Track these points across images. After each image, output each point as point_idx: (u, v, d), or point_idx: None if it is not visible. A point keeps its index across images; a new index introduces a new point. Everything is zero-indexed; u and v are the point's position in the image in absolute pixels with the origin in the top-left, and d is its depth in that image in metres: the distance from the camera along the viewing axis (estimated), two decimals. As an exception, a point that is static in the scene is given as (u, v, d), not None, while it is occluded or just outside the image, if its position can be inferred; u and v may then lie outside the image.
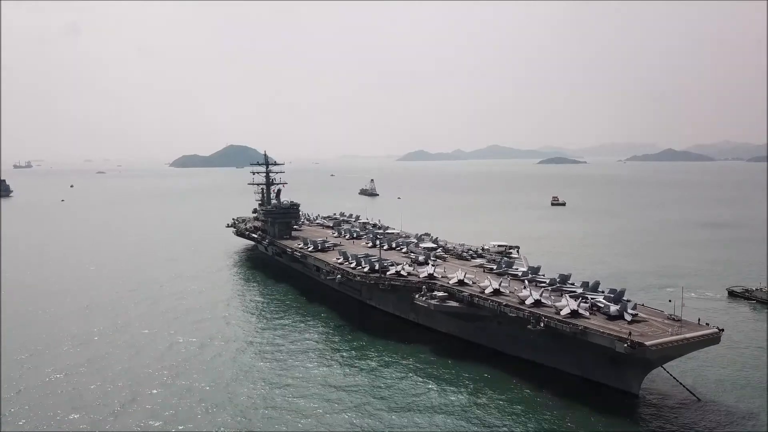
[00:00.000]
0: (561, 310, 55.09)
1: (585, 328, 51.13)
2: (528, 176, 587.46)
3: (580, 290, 61.81)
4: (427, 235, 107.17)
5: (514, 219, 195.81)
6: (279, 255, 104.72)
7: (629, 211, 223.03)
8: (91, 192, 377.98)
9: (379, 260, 75.84)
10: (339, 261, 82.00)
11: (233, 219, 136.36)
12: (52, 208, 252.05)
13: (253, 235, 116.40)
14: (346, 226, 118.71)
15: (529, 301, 58.20)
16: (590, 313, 55.08)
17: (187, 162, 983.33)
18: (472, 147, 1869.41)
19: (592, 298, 57.87)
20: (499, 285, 63.18)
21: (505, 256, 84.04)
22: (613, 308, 54.03)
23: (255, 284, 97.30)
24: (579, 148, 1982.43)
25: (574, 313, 54.26)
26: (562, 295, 61.89)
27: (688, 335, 49.06)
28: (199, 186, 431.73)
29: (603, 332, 49.90)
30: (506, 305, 58.67)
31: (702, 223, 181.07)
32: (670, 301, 54.23)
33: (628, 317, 52.94)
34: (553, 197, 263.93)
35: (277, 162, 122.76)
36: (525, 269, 73.64)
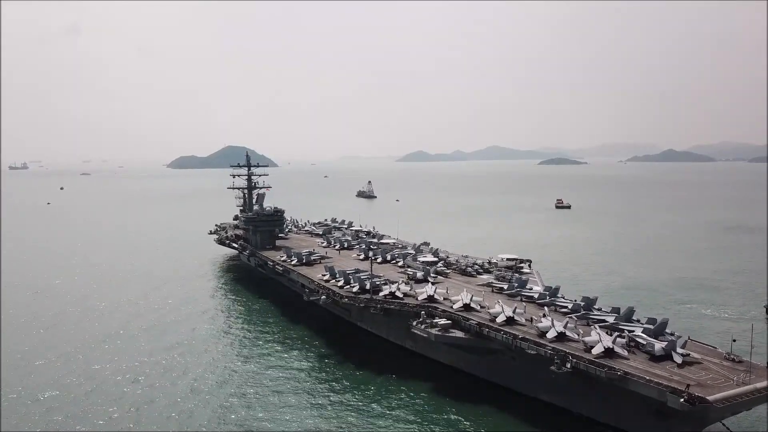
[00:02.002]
0: (592, 347, 44.54)
1: (625, 373, 40.61)
2: (529, 177, 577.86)
3: (611, 319, 51.18)
4: (425, 244, 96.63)
5: (518, 224, 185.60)
6: (262, 267, 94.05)
7: (638, 215, 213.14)
8: (81, 195, 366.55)
9: (371, 277, 65.22)
10: (325, 278, 71.28)
11: (216, 225, 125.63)
12: (35, 212, 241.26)
13: (234, 244, 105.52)
14: (337, 234, 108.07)
15: (551, 334, 47.64)
16: (629, 352, 44.52)
17: (184, 163, 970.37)
18: (472, 148, 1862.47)
19: (629, 332, 47.17)
20: (513, 311, 52.57)
21: (516, 272, 73.48)
22: (659, 346, 43.45)
23: (234, 301, 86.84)
24: (579, 148, 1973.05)
25: (608, 352, 43.72)
26: (589, 324, 51.55)
27: (759, 385, 38.51)
28: (192, 187, 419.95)
29: (650, 380, 39.34)
30: (523, 339, 48.15)
31: (716, 227, 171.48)
32: (734, 340, 43.60)
33: (677, 359, 42.37)
34: (558, 200, 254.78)
35: (260, 163, 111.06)
36: (541, 289, 63.07)
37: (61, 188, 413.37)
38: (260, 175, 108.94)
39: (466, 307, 56.17)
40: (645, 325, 48.78)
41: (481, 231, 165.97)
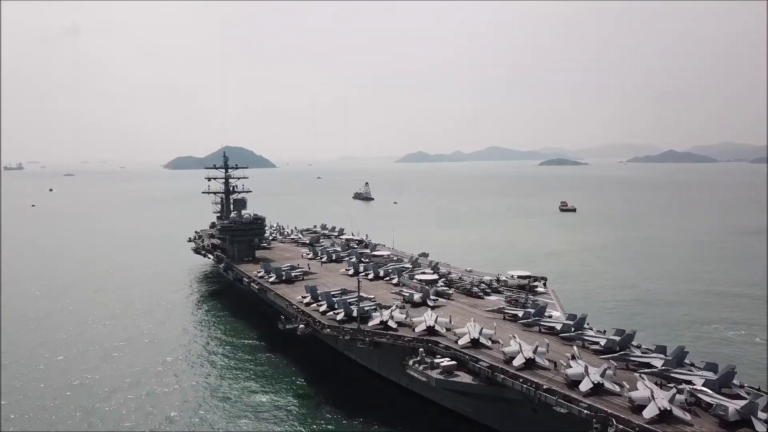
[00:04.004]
0: (642, 406, 33.92)
1: (693, 449, 30.02)
2: (530, 178, 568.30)
3: (658, 363, 40.45)
4: (424, 256, 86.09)
5: (522, 228, 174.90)
6: (240, 281, 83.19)
7: (647, 219, 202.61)
8: (69, 197, 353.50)
9: (358, 301, 54.44)
10: (305, 300, 60.37)
11: (195, 232, 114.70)
12: (19, 215, 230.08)
13: (210, 255, 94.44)
14: (325, 243, 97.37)
15: (584, 386, 37.01)
16: (691, 414, 33.86)
17: (181, 164, 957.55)
18: (471, 148, 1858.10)
19: (685, 381, 36.47)
20: (534, 351, 41.89)
21: (530, 292, 62.83)
22: (733, 408, 32.73)
23: (209, 320, 76.64)
24: (579, 149, 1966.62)
25: (664, 415, 33.09)
26: (628, 367, 41.05)
27: None
28: (183, 189, 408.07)
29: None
30: (548, 390, 37.51)
31: (733, 232, 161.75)
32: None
33: (760, 427, 31.68)
34: (562, 202, 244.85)
35: (238, 165, 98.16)
36: (563, 317, 52.53)
37: (51, 190, 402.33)
38: (239, 178, 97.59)
39: (475, 343, 45.56)
40: (704, 373, 38.20)
41: (483, 236, 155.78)
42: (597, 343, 45.44)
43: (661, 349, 42.97)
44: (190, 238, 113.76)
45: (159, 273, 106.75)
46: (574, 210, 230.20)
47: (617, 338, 44.97)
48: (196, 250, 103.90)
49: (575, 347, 43.35)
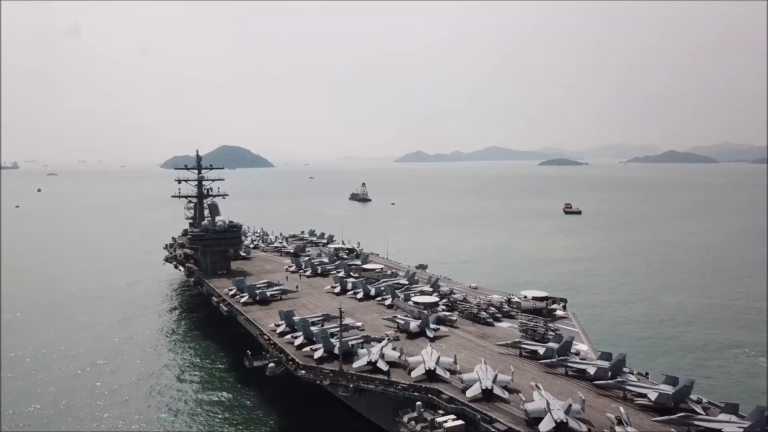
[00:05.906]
0: None
1: None
2: (531, 179, 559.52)
3: (734, 430, 30.34)
4: (422, 268, 76.05)
5: (527, 233, 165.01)
6: (212, 296, 72.90)
7: (656, 222, 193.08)
8: (56, 198, 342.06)
9: (341, 334, 44.16)
10: (279, 329, 49.98)
11: (173, 238, 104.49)
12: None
13: (180, 267, 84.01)
14: (312, 253, 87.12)
15: (641, 469, 26.95)
16: None
17: (178, 163, 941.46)
18: (471, 148, 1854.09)
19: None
20: (566, 411, 31.75)
21: (548, 316, 52.78)
22: None
23: (180, 343, 67.09)
24: (579, 149, 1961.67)
25: None
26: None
27: None
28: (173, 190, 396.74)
29: None
30: (590, 472, 27.46)
31: (748, 235, 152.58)
32: None
33: None
34: (566, 204, 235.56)
35: (212, 166, 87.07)
36: (593, 356, 42.48)
37: (39, 190, 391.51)
38: (214, 180, 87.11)
39: (487, 395, 35.49)
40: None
41: (485, 242, 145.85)
42: (644, 395, 35.35)
43: (732, 408, 32.91)
44: (165, 245, 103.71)
45: (131, 283, 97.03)
46: (579, 212, 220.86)
47: (671, 389, 34.91)
48: (168, 260, 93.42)
49: (621, 407, 33.04)
